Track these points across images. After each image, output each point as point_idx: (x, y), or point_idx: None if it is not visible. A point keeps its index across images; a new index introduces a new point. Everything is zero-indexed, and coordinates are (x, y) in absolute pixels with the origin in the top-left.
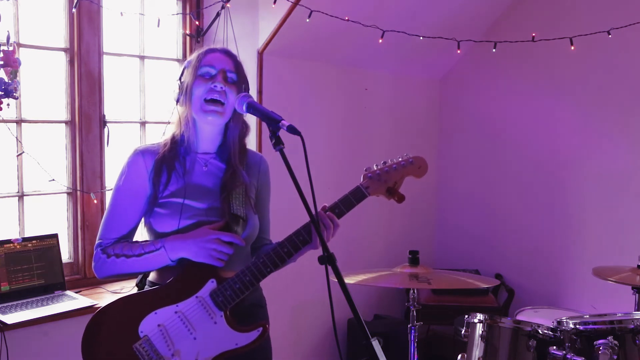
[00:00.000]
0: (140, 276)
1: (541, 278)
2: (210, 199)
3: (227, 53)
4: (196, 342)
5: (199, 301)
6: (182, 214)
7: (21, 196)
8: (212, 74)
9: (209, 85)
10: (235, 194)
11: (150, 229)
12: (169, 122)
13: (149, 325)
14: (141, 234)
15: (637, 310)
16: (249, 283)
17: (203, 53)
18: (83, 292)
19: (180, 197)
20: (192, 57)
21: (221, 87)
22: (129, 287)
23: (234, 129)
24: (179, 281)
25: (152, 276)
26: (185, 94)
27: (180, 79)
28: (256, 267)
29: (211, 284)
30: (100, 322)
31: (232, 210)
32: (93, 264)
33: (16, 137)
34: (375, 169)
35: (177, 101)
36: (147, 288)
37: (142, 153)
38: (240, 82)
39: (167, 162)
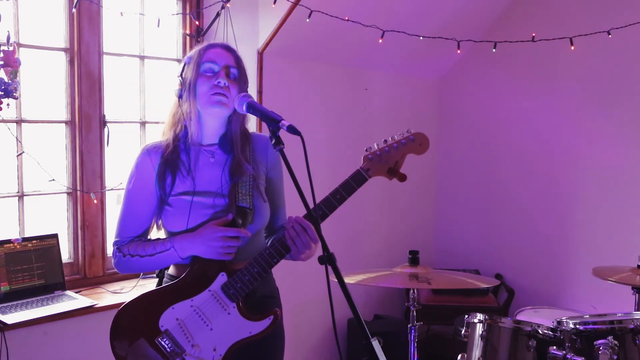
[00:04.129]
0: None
1: (541, 278)
2: (217, 193)
3: (227, 48)
4: (213, 333)
5: (211, 294)
6: (190, 213)
7: (21, 196)
8: (215, 71)
9: (213, 81)
10: (242, 184)
11: (162, 227)
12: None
13: (168, 320)
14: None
15: (637, 310)
16: (257, 274)
17: (204, 49)
18: (83, 292)
19: (187, 195)
20: (193, 52)
21: (225, 84)
22: (128, 287)
23: (236, 121)
24: (192, 276)
25: (170, 269)
26: (188, 90)
27: (181, 75)
28: (263, 258)
29: (222, 278)
30: (123, 318)
31: (238, 202)
32: (112, 260)
33: (16, 137)
34: (375, 149)
35: (180, 97)
36: (165, 280)
37: (148, 152)
38: (241, 78)
39: (170, 164)
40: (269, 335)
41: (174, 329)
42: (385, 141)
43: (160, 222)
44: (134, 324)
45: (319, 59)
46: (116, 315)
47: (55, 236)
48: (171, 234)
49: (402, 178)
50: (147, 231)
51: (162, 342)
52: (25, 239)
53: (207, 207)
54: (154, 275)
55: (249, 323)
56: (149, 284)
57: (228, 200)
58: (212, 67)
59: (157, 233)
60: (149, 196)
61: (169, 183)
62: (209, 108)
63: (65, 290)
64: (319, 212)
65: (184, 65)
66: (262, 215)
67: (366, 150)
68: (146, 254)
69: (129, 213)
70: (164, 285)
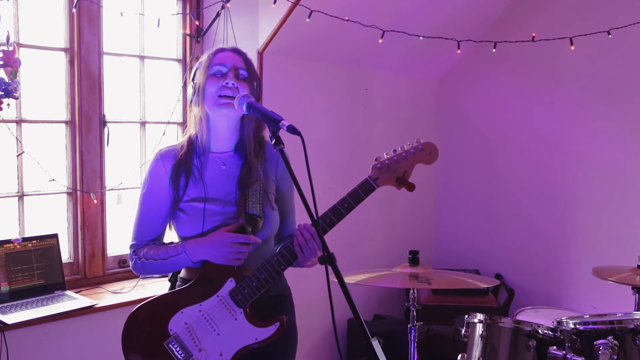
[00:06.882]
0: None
1: (541, 278)
2: (228, 200)
3: (236, 51)
4: (220, 338)
5: (219, 300)
6: (204, 219)
7: (21, 196)
8: (224, 72)
9: (221, 82)
10: (252, 192)
11: (175, 231)
12: (168, 122)
13: (177, 324)
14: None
15: (637, 310)
16: (264, 281)
17: (213, 53)
18: (83, 292)
19: (199, 202)
20: (203, 57)
21: (233, 84)
22: (128, 287)
23: (249, 125)
24: (202, 281)
25: (182, 272)
26: (198, 94)
27: (193, 80)
28: (270, 265)
29: (230, 283)
30: (134, 322)
31: (248, 210)
32: (129, 262)
33: (16, 137)
34: (384, 158)
35: (192, 102)
36: (178, 284)
37: (161, 158)
38: (251, 79)
39: (184, 165)
40: (278, 340)
41: (183, 333)
42: (395, 151)
43: (173, 225)
44: (145, 327)
45: (319, 59)
46: (128, 318)
47: (55, 236)
48: (183, 239)
49: (411, 187)
50: (162, 234)
51: (171, 346)
52: (25, 239)
53: (217, 214)
54: (155, 276)
55: (256, 329)
56: (149, 284)
57: (236, 208)
58: (220, 69)
59: (169, 232)
60: (162, 201)
61: (182, 185)
62: (216, 109)
63: (65, 290)
64: (327, 220)
65: (195, 70)
66: (272, 223)
67: (375, 159)
68: (159, 258)
69: (144, 218)
70: (174, 289)
